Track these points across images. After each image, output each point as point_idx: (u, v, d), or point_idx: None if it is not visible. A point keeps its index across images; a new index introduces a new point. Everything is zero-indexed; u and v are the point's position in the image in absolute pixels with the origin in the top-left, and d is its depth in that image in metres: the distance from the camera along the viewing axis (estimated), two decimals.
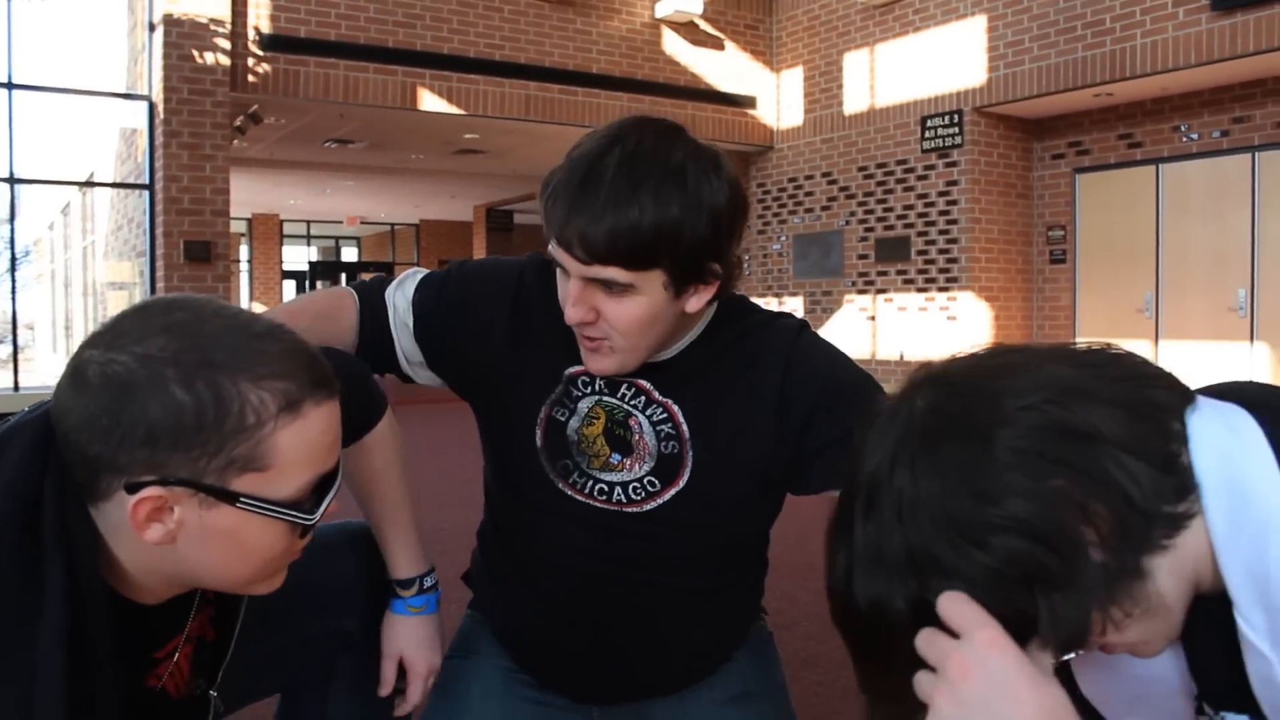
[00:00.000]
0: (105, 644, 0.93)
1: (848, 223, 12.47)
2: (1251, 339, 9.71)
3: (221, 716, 1.22)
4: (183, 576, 1.00)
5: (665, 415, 1.37)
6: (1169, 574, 0.76)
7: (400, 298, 1.47)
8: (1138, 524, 0.73)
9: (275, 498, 0.93)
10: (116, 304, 12.45)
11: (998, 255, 11.26)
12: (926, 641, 0.73)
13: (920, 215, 11.65)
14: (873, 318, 12.14)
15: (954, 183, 11.31)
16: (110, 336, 0.91)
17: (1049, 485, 0.72)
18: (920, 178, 11.65)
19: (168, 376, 0.87)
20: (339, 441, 0.99)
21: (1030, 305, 11.58)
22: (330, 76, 10.55)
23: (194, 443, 0.88)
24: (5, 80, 9.99)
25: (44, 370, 18.53)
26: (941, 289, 11.39)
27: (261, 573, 1.01)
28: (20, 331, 12.76)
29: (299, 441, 0.92)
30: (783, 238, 13.31)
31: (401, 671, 1.46)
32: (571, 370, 1.39)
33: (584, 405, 1.40)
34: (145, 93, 10.23)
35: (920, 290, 11.66)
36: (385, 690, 1.44)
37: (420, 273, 1.51)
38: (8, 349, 11.94)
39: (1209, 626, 0.78)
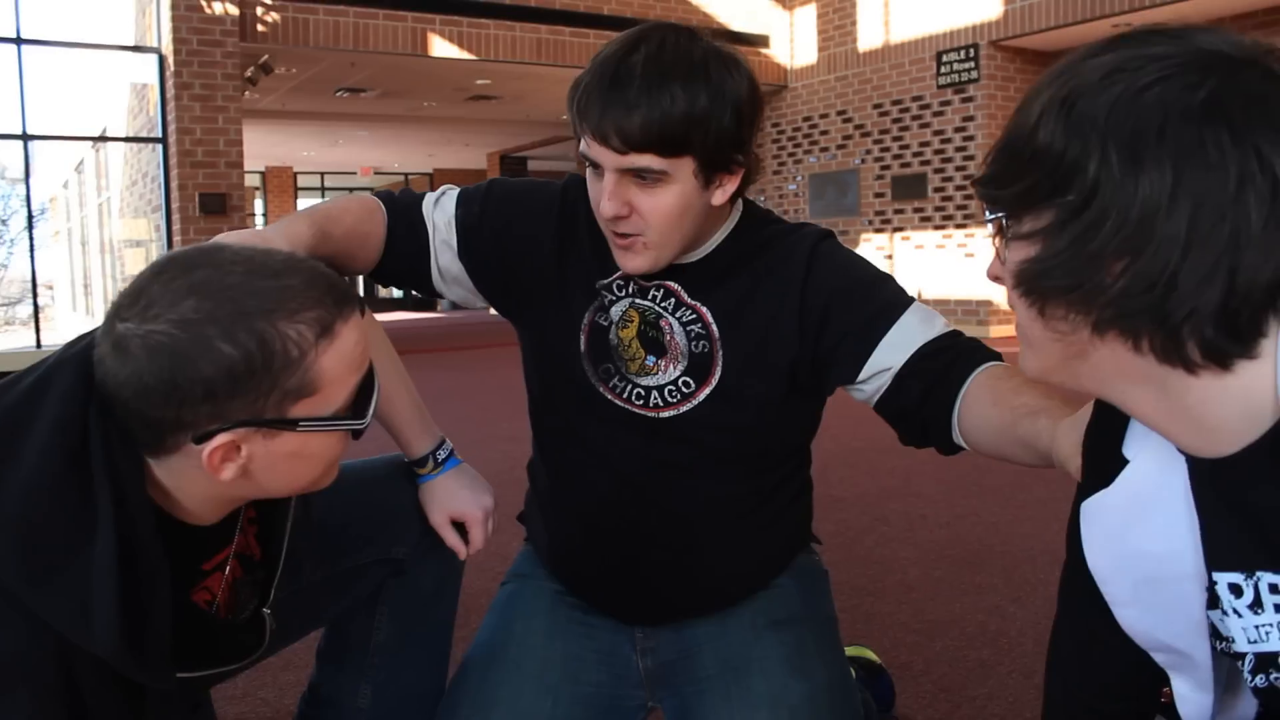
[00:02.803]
0: (156, 561, 0.99)
1: (863, 161, 12.37)
2: None
3: (277, 638, 1.25)
4: (249, 497, 1.09)
5: (695, 316, 1.42)
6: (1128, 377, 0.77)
7: (440, 215, 1.49)
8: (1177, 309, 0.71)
9: (329, 413, 1.01)
10: (134, 261, 12.49)
11: None
12: None
13: (937, 152, 11.54)
14: (890, 256, 12.08)
15: (970, 118, 11.19)
16: (140, 307, 0.94)
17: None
18: (936, 114, 11.54)
19: (210, 335, 0.92)
20: (367, 344, 1.06)
21: None
22: (340, 24, 10.48)
23: (249, 388, 0.94)
24: (14, 36, 9.97)
25: (64, 328, 18.66)
26: (959, 225, 11.31)
27: (323, 473, 1.09)
28: (40, 291, 12.83)
29: (339, 359, 0.99)
30: (798, 177, 13.22)
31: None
32: (603, 281, 1.44)
33: (617, 310, 1.44)
34: (155, 45, 10.19)
35: (938, 228, 11.59)
36: (464, 552, 1.50)
37: (455, 190, 1.53)
38: (28, 308, 12.00)
39: (1257, 483, 0.77)
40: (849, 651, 2.00)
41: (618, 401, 1.44)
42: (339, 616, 1.50)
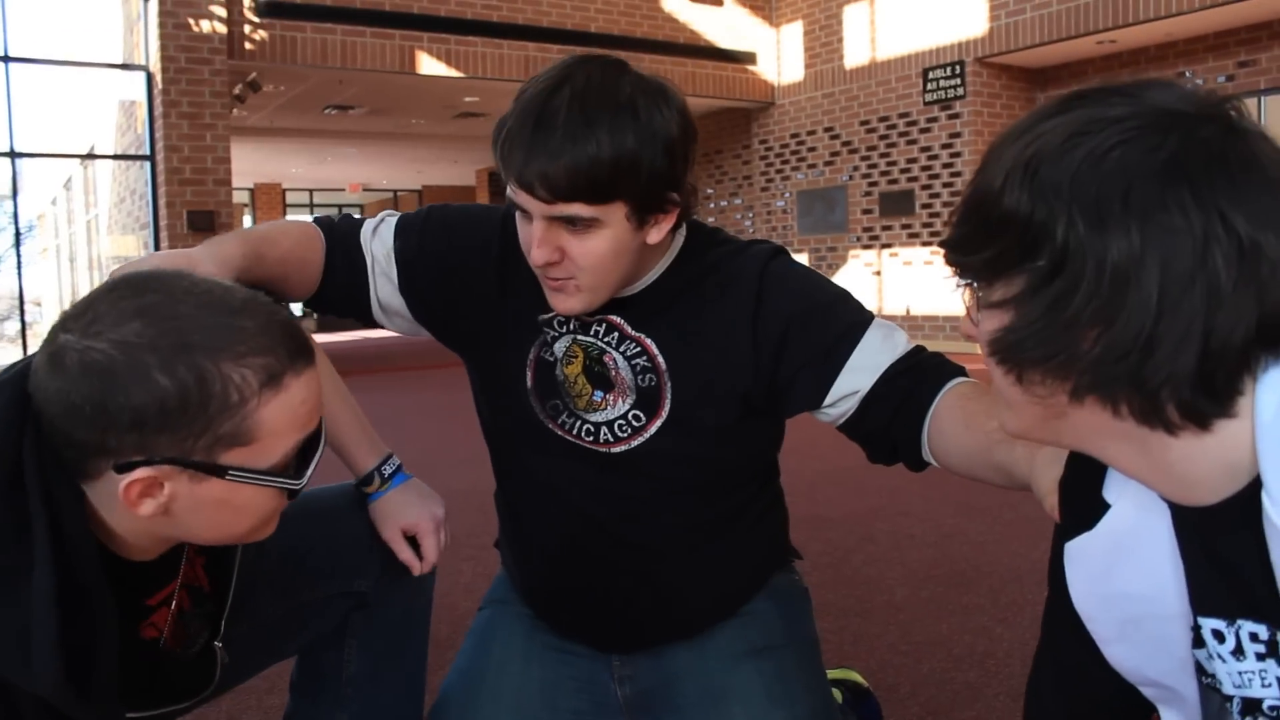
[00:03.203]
0: (101, 596, 0.95)
1: (851, 178, 12.41)
2: None
3: (231, 673, 1.23)
4: (178, 538, 1.02)
5: (639, 349, 1.38)
6: (1115, 439, 0.77)
7: (379, 245, 1.45)
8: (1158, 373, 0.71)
9: (263, 466, 0.95)
10: None
11: None
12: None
13: (924, 168, 11.59)
14: (878, 273, 12.11)
15: (957, 135, 11.24)
16: (85, 321, 0.90)
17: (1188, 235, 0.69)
18: (923, 130, 11.59)
19: (148, 363, 0.88)
20: (319, 403, 1.00)
21: None
22: (327, 41, 10.49)
23: (180, 425, 0.89)
24: (2, 54, 9.96)
25: None
26: None
27: (255, 527, 1.02)
28: (28, 308, 12.77)
29: (282, 413, 0.94)
30: (786, 194, 13.26)
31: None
32: (544, 315, 1.39)
33: (560, 346, 1.41)
34: (143, 63, 10.19)
35: (925, 244, 11.62)
36: (418, 567, 1.45)
37: (394, 218, 1.50)
38: (15, 325, 11.96)
39: (1236, 534, 0.78)
40: (835, 674, 1.99)
41: (568, 438, 1.41)
42: (308, 649, 1.47)
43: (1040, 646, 1.05)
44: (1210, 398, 0.72)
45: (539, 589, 1.55)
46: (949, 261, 0.82)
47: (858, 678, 2.16)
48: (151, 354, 0.88)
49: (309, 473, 1.01)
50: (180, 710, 1.17)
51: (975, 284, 0.80)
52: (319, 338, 1.33)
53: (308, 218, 1.51)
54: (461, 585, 3.06)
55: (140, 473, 0.90)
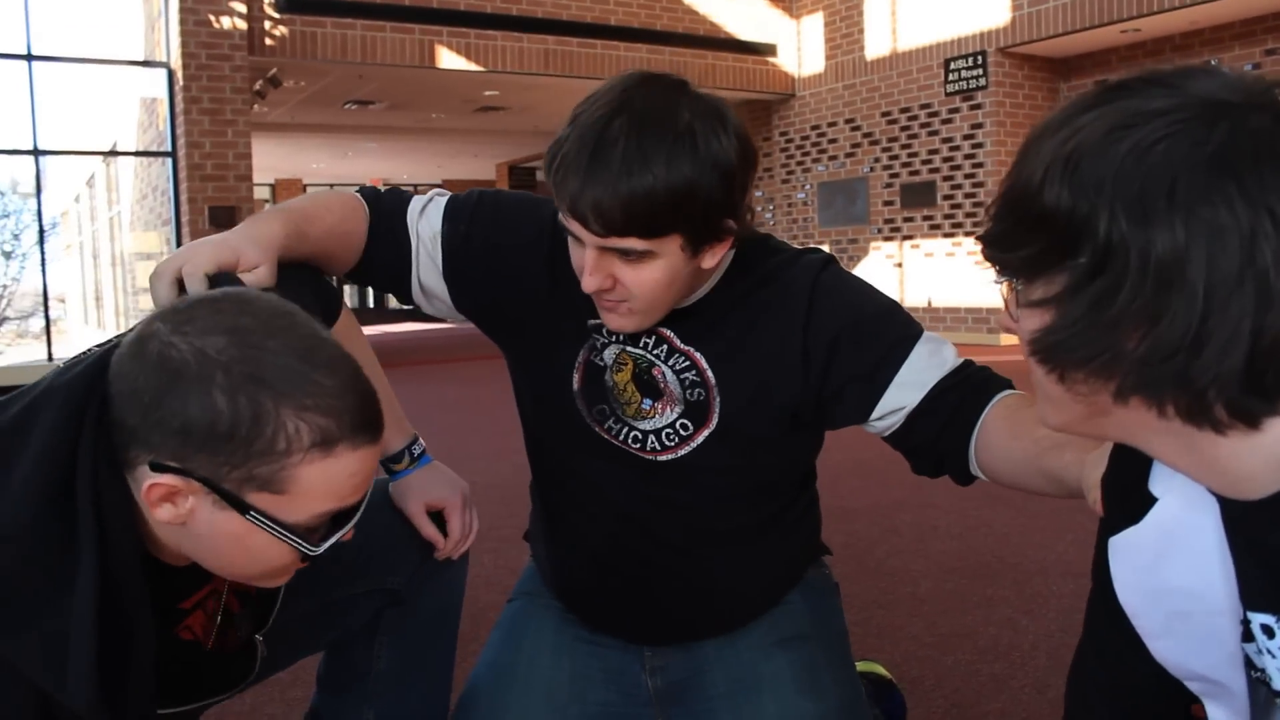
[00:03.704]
0: (138, 607, 0.95)
1: (872, 169, 12.35)
2: None
3: (268, 664, 1.23)
4: (189, 555, 1.01)
5: (689, 363, 1.36)
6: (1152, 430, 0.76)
7: (425, 226, 1.43)
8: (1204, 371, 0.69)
9: (285, 521, 0.93)
10: (145, 274, 12.48)
11: None
12: None
13: (945, 160, 11.52)
14: (899, 265, 12.05)
15: (979, 125, 11.17)
16: (181, 319, 0.91)
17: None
18: (945, 121, 11.52)
19: (215, 380, 0.88)
20: (369, 481, 0.98)
21: None
22: (348, 37, 10.51)
23: (220, 449, 0.89)
24: (25, 52, 10.02)
25: (76, 341, 18.72)
26: (968, 234, 11.28)
27: (264, 575, 1.01)
28: (52, 304, 12.88)
29: (323, 477, 0.92)
30: (807, 186, 13.21)
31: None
32: (594, 321, 1.38)
33: (610, 354, 1.39)
34: (164, 60, 10.23)
35: (947, 235, 11.56)
36: (444, 546, 1.44)
37: (443, 198, 1.47)
38: (40, 321, 12.05)
39: None
40: (860, 667, 1.98)
41: (614, 443, 1.40)
42: (338, 644, 1.47)
43: (1082, 640, 1.03)
44: (1259, 396, 0.71)
45: (575, 584, 1.54)
46: (987, 258, 0.80)
47: (882, 671, 2.14)
48: (223, 373, 0.88)
49: (329, 544, 0.98)
50: (214, 703, 1.18)
51: (1014, 281, 0.78)
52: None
53: (353, 189, 1.48)
54: (483, 578, 3.06)
55: (169, 478, 0.90)
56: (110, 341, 1.01)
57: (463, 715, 1.48)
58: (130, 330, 0.96)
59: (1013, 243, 0.77)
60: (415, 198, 1.47)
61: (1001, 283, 0.80)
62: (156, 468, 0.90)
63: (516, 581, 1.67)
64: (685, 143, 1.17)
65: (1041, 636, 2.56)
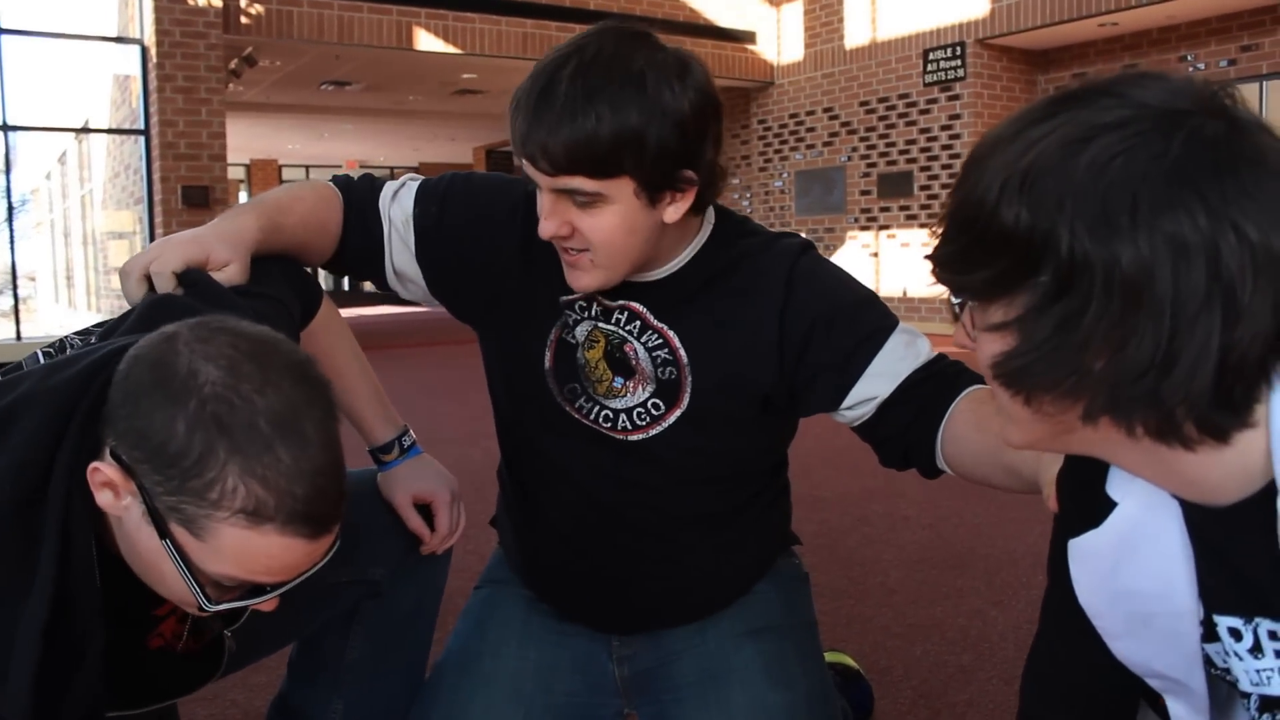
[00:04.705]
0: (90, 624, 0.93)
1: (849, 158, 12.37)
2: None
3: (237, 660, 1.22)
4: (123, 554, 0.98)
5: (661, 341, 1.35)
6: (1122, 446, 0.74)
7: (397, 210, 1.42)
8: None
9: (194, 563, 0.90)
10: (117, 253, 12.39)
11: None
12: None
13: (923, 150, 11.55)
14: (876, 254, 12.08)
15: (956, 116, 11.20)
16: (204, 332, 0.90)
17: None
18: (923, 112, 11.54)
19: (188, 407, 0.86)
20: (291, 572, 0.94)
21: None
22: (324, 16, 10.41)
23: (162, 469, 0.87)
24: None
25: (46, 320, 18.52)
26: None
27: (174, 597, 0.98)
28: (22, 282, 12.73)
29: (240, 545, 0.88)
30: (784, 174, 13.21)
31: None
32: (566, 298, 1.37)
33: (582, 330, 1.38)
34: (137, 36, 10.10)
35: (923, 226, 11.59)
36: (430, 540, 1.43)
37: (415, 182, 1.46)
38: (9, 300, 11.91)
39: (1249, 536, 0.75)
40: (828, 657, 1.98)
41: (584, 422, 1.39)
42: (311, 635, 1.46)
43: (1039, 634, 1.03)
44: (1229, 411, 0.70)
45: (543, 568, 1.53)
46: (940, 280, 0.78)
47: (850, 661, 2.14)
48: (197, 403, 0.86)
49: (221, 608, 0.94)
50: (172, 701, 1.18)
51: (971, 303, 0.76)
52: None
53: (325, 178, 1.48)
54: (452, 565, 3.03)
55: (113, 471, 0.88)
56: (92, 336, 0.99)
57: (427, 705, 1.46)
58: (69, 370, 0.94)
59: (968, 264, 0.74)
60: (388, 183, 1.46)
61: (958, 305, 0.78)
62: (113, 454, 0.89)
63: (483, 570, 1.65)
64: (633, 87, 1.17)
65: (1010, 628, 2.57)
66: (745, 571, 1.54)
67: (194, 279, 1.12)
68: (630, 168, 1.19)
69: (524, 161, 1.22)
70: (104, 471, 0.89)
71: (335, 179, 1.45)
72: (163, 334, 0.91)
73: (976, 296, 0.75)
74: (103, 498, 0.90)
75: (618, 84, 1.17)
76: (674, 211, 1.26)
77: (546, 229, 1.24)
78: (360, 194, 1.43)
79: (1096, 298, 0.67)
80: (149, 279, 1.15)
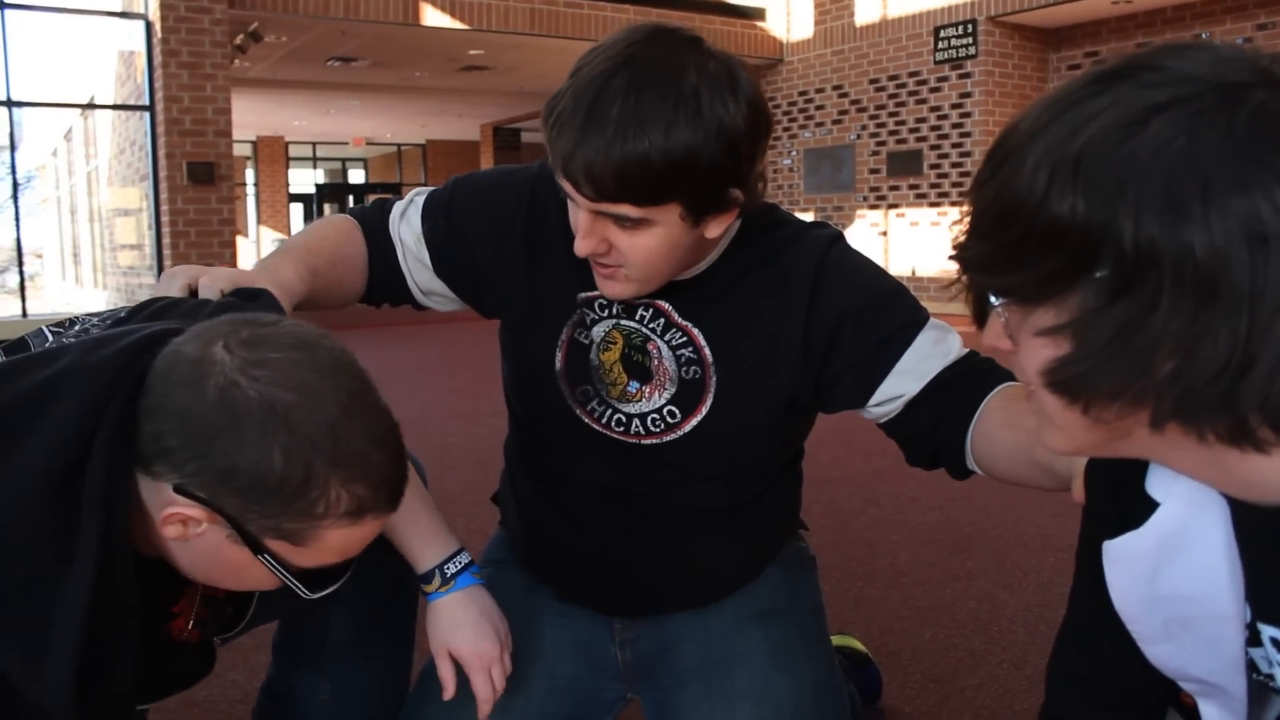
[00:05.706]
0: (127, 611, 0.92)
1: (859, 137, 12.29)
2: None
3: (222, 640, 1.20)
4: (172, 559, 0.98)
5: (686, 339, 1.31)
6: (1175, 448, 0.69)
7: (407, 231, 1.40)
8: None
9: (292, 565, 0.95)
10: (123, 230, 12.38)
11: None
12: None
13: (933, 128, 11.47)
14: (884, 233, 12.01)
15: (967, 95, 11.11)
16: (250, 358, 0.88)
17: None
18: (933, 90, 11.45)
19: (277, 435, 0.86)
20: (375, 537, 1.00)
21: None
22: None
23: (258, 499, 0.88)
24: None
25: (53, 297, 18.55)
26: (954, 203, 11.25)
27: (241, 588, 1.02)
28: (29, 259, 12.72)
29: (343, 539, 0.94)
30: (793, 152, 13.14)
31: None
32: (585, 294, 1.32)
33: (599, 330, 1.33)
34: (142, 11, 10.06)
35: (933, 205, 11.53)
36: (449, 693, 1.30)
37: (421, 197, 1.43)
38: (15, 277, 11.91)
39: None
40: (836, 641, 1.95)
41: (595, 426, 1.35)
42: (292, 613, 1.43)
43: (1065, 627, 0.99)
44: None
45: (545, 547, 1.50)
46: (974, 284, 0.72)
47: (858, 645, 2.11)
48: (286, 432, 0.86)
49: (319, 592, 1.01)
50: (182, 689, 1.16)
51: (1011, 304, 0.69)
52: None
53: (336, 212, 1.50)
54: None
55: (192, 509, 0.88)
56: (118, 316, 1.00)
57: (424, 691, 1.43)
58: (115, 344, 0.92)
59: (1011, 264, 0.67)
60: (396, 204, 1.44)
61: (997, 309, 0.71)
62: (182, 491, 0.88)
63: (484, 551, 1.62)
64: (688, 107, 1.08)
65: (1019, 611, 2.54)
66: (752, 559, 1.51)
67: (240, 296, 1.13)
68: (680, 193, 1.12)
69: (564, 182, 1.14)
70: (185, 513, 0.89)
71: (351, 211, 1.44)
72: (195, 366, 0.88)
73: (1022, 299, 0.69)
74: (170, 530, 0.90)
75: (671, 104, 1.08)
76: (716, 227, 1.19)
77: (583, 248, 1.17)
78: (372, 222, 1.41)
79: (1167, 293, 0.61)
80: (190, 287, 1.15)
